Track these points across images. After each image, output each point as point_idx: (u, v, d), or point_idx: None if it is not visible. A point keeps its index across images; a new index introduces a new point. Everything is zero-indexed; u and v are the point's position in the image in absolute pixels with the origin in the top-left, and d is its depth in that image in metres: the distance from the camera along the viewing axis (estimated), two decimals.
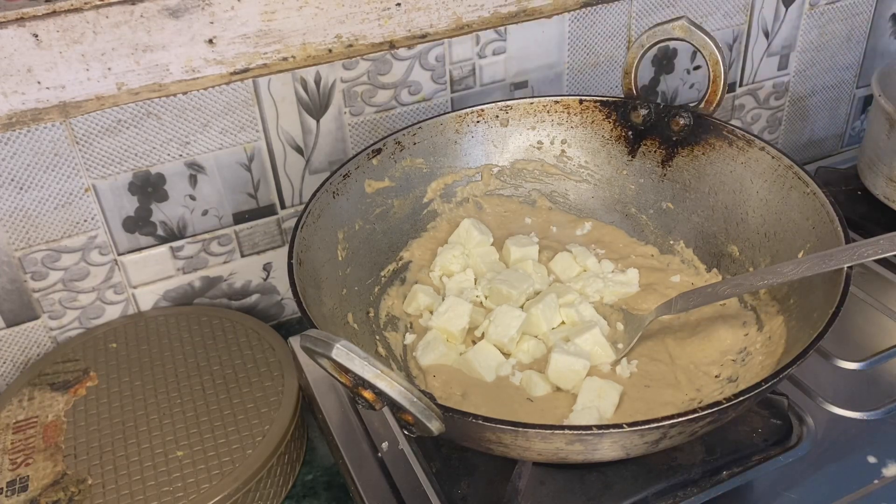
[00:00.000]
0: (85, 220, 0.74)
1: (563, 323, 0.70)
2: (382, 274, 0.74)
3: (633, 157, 0.78)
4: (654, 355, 0.67)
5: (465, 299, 0.70)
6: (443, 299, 0.71)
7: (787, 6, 0.97)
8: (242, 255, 0.83)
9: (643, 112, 0.76)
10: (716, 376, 0.64)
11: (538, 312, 0.68)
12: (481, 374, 0.65)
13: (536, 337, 0.69)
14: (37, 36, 0.65)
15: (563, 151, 0.80)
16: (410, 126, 0.75)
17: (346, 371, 0.44)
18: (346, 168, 0.71)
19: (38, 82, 0.66)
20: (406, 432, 0.48)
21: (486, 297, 0.72)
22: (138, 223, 0.76)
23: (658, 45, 0.81)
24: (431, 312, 0.71)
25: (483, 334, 0.69)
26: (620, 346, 0.68)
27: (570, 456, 0.51)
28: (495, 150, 0.80)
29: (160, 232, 0.78)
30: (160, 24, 0.68)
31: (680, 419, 0.47)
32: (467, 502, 0.60)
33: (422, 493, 0.62)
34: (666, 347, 0.68)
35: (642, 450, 0.51)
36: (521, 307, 0.70)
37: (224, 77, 0.73)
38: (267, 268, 0.85)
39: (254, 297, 0.86)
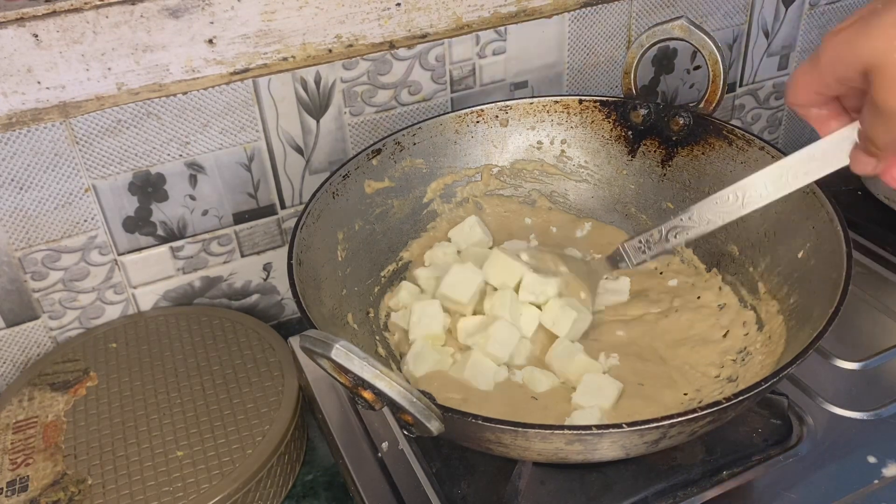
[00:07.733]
0: (85, 220, 0.74)
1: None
2: (382, 274, 0.74)
3: (632, 157, 0.78)
4: (645, 356, 0.67)
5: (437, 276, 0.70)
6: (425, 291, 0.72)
7: (787, 6, 0.97)
8: (242, 255, 0.83)
9: (643, 112, 0.76)
10: (715, 376, 0.64)
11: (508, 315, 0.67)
12: (479, 386, 0.64)
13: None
14: (37, 36, 0.65)
15: (562, 151, 0.80)
16: (410, 126, 0.75)
17: (346, 371, 0.44)
18: (345, 168, 0.71)
19: (38, 82, 0.66)
20: (406, 432, 0.48)
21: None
22: (138, 223, 0.76)
23: (658, 45, 0.81)
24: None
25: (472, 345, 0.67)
26: (584, 295, 0.68)
27: (570, 456, 0.51)
28: (495, 150, 0.80)
29: (160, 232, 0.78)
30: (160, 24, 0.68)
31: (680, 419, 0.47)
32: (467, 502, 0.60)
33: (422, 493, 0.62)
34: (656, 349, 0.67)
35: (642, 450, 0.51)
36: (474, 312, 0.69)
37: (224, 77, 0.73)
38: (267, 268, 0.85)
39: (254, 297, 0.86)
